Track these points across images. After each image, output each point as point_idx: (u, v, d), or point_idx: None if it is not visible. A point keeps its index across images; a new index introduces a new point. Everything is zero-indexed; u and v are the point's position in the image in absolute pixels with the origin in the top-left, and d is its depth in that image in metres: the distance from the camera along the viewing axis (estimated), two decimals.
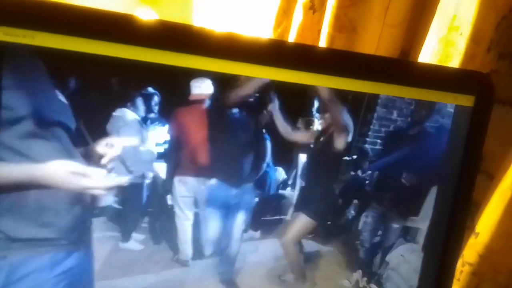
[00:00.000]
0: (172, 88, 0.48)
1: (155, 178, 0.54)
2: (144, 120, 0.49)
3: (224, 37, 0.42)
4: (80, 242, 0.47)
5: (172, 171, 0.54)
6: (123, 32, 0.38)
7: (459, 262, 0.76)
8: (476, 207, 0.76)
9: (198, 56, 0.40)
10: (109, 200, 0.51)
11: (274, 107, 0.51)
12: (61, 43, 0.36)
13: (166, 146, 0.51)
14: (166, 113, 0.50)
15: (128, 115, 0.48)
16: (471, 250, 0.74)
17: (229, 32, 0.41)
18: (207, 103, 0.50)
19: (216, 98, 0.49)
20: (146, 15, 0.64)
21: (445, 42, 0.80)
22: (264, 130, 0.54)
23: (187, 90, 0.48)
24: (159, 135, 0.51)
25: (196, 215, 0.56)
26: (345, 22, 0.89)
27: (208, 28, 0.40)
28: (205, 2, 1.16)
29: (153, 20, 0.39)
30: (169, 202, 0.54)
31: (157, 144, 0.51)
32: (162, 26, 0.39)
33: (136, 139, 0.50)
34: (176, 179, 0.54)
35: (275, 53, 0.43)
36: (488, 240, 0.72)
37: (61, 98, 0.41)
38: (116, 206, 0.51)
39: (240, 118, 0.53)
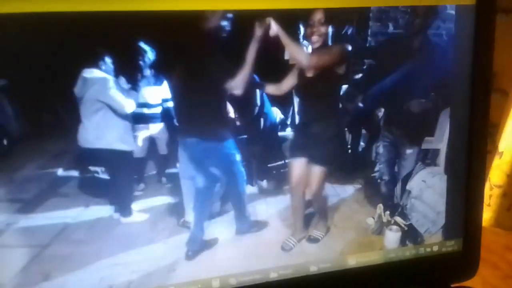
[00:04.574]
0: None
1: (152, 141, 0.50)
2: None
3: None
4: None
5: (174, 132, 0.49)
6: None
7: (487, 186, 0.71)
8: (495, 128, 0.72)
9: None
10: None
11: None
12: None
13: (165, 106, 0.47)
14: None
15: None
16: (498, 171, 0.70)
17: None
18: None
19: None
20: None
21: None
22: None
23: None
24: (153, 95, 0.47)
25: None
26: None
27: None
28: None
29: None
30: (171, 164, 0.50)
31: (151, 106, 0.48)
32: None
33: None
34: (180, 141, 0.49)
35: None
36: None
37: None
38: (103, 177, 0.47)
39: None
